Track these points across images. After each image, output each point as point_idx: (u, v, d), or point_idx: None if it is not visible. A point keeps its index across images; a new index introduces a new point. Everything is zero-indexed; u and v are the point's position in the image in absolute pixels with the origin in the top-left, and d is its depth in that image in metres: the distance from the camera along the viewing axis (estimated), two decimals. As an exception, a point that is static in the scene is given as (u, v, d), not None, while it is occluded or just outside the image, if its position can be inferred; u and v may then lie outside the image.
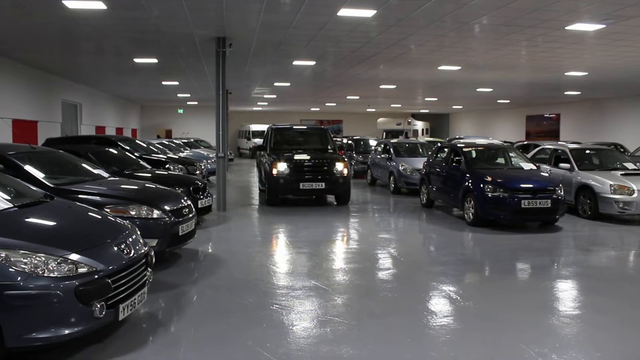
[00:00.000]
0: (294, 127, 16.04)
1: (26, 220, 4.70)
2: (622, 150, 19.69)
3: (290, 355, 4.43)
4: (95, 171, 7.97)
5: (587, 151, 13.35)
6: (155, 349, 4.52)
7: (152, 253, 5.14)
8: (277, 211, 12.49)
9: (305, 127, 16.37)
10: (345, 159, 13.70)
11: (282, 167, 12.58)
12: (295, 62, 15.95)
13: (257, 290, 6.25)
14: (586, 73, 17.69)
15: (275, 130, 14.66)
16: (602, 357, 4.44)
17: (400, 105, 36.96)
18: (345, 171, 13.07)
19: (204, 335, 4.82)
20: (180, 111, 39.52)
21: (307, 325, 5.15)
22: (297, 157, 13.00)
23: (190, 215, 7.43)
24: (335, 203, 13.72)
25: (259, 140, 34.70)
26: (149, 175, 10.07)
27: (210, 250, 8.41)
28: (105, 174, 8.02)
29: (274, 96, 28.82)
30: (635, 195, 10.75)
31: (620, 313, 5.61)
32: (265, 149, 14.27)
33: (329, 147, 14.44)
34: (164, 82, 22.29)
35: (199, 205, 9.54)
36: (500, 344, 4.72)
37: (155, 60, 15.86)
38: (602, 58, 14.67)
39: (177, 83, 22.61)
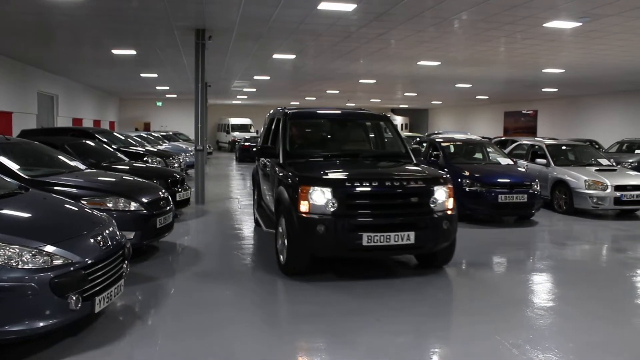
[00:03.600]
0: (327, 112, 9.10)
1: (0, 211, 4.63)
2: (596, 146, 20.00)
3: (271, 351, 4.45)
4: (72, 163, 7.88)
5: (563, 147, 13.55)
6: (131, 342, 4.49)
7: (129, 245, 5.10)
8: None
9: (346, 113, 8.96)
10: (449, 178, 6.71)
11: (321, 197, 6.04)
12: (276, 56, 15.89)
13: (236, 283, 6.25)
14: (563, 70, 17.92)
15: (294, 119, 7.86)
16: (574, 348, 4.53)
17: (379, 100, 37.12)
18: (451, 204, 6.49)
19: (182, 328, 4.80)
20: (159, 104, 39.19)
21: (284, 319, 5.16)
22: (352, 176, 6.38)
23: (168, 208, 7.38)
24: (417, 262, 7.21)
25: (239, 134, 34.56)
26: (127, 167, 9.97)
27: (188, 243, 8.37)
28: (82, 166, 7.93)
29: (254, 89, 28.71)
30: (608, 190, 10.94)
31: (592, 305, 5.71)
32: (274, 153, 7.61)
33: (402, 151, 7.88)
34: (142, 74, 22.07)
35: (177, 198, 9.49)
36: (476, 335, 4.78)
37: (134, 52, 15.69)
38: (579, 56, 14.88)
39: (156, 75, 22.40)
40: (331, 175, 6.37)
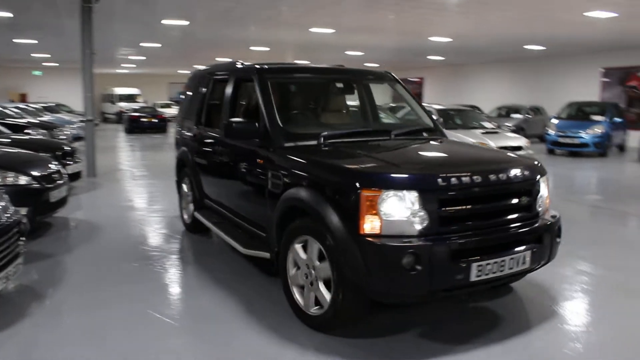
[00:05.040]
0: (320, 67, 6.28)
1: None
2: (479, 111, 21.20)
3: (180, 316, 4.41)
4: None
5: (451, 112, 14.23)
6: (34, 321, 4.27)
7: (25, 221, 4.80)
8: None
9: (348, 71, 6.11)
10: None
11: (401, 208, 3.63)
12: (165, 21, 15.28)
13: (138, 254, 6.07)
14: (450, 39, 18.70)
15: (275, 78, 5.36)
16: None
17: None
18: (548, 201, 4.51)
19: (88, 303, 4.62)
20: (38, 73, 36.48)
21: (193, 284, 5.11)
22: (440, 168, 4.10)
23: (61, 182, 6.99)
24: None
25: (126, 105, 33.10)
26: (8, 140, 9.27)
27: (83, 218, 7.99)
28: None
29: (143, 57, 27.51)
30: (493, 152, 11.66)
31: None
32: (256, 133, 4.85)
33: (430, 124, 5.65)
34: (16, 40, 20.36)
35: (68, 171, 8.99)
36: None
37: (9, 15, 14.41)
38: (464, 25, 15.59)
39: (35, 42, 20.75)
40: (410, 168, 3.93)
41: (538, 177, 4.26)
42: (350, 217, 3.66)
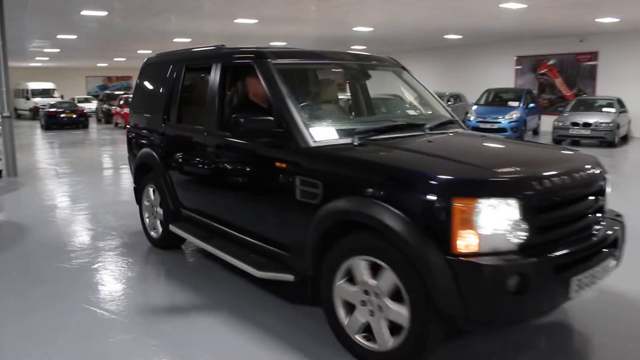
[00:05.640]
0: (330, 52, 5.10)
1: None
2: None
3: (126, 311, 4.39)
4: None
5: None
6: (-31, 326, 4.12)
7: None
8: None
9: (357, 56, 5.41)
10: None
11: (500, 219, 3.00)
12: (84, 12, 14.72)
13: (69, 253, 5.91)
14: (372, 29, 19.05)
15: (288, 67, 4.51)
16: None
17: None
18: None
19: (26, 305, 4.50)
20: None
21: (132, 277, 5.07)
22: (526, 168, 3.39)
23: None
24: None
25: (41, 100, 31.69)
26: None
27: (8, 219, 7.65)
28: None
29: (57, 50, 26.36)
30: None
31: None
32: (265, 129, 3.98)
33: (449, 116, 4.96)
34: None
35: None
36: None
37: None
38: (385, 15, 15.93)
39: None
40: (503, 171, 3.25)
41: (604, 173, 3.78)
42: (437, 233, 3.00)
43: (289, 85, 4.21)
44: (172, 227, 5.42)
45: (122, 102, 25.11)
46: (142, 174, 6.09)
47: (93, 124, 27.74)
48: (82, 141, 20.00)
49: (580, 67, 21.63)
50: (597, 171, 3.67)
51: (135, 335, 3.96)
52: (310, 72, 5.12)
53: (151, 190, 5.90)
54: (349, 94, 5.58)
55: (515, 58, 23.57)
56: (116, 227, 6.97)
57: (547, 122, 19.34)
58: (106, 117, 28.41)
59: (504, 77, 23.30)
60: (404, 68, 5.46)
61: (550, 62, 22.62)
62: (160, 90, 5.76)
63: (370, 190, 3.29)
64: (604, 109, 17.17)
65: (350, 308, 3.51)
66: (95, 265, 5.51)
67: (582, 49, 21.36)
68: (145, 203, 6.09)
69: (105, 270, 5.40)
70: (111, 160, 14.72)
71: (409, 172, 3.28)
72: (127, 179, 11.07)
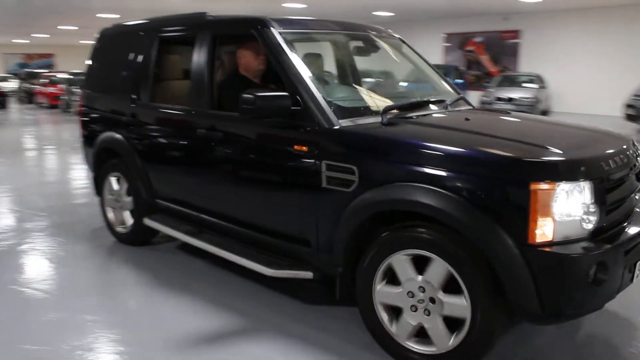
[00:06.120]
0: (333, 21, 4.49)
1: None
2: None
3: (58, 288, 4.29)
4: None
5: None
6: None
7: None
8: None
9: (359, 26, 4.82)
10: None
11: (574, 203, 2.76)
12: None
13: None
14: (305, 5, 18.97)
15: (295, 37, 3.92)
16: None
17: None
18: None
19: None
20: None
21: (53, 263, 4.96)
22: (585, 149, 3.16)
23: None
24: None
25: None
26: None
27: None
28: None
29: (-31, 26, 24.90)
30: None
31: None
32: (282, 107, 3.39)
33: (454, 91, 4.67)
34: None
35: None
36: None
37: None
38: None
39: None
40: (573, 152, 2.98)
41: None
42: (510, 221, 2.70)
43: (301, 57, 3.74)
44: (147, 221, 4.73)
45: (46, 81, 24.00)
46: (103, 161, 5.27)
47: (13, 104, 26.39)
48: (1, 122, 19.02)
49: (505, 44, 22.41)
50: (638, 150, 3.45)
51: (70, 313, 3.89)
52: (319, 44, 4.59)
53: (114, 179, 5.14)
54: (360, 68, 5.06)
55: (444, 35, 24.11)
56: (44, 207, 6.74)
57: (473, 97, 19.90)
58: (28, 97, 27.04)
59: (433, 53, 23.80)
60: (402, 41, 5.03)
61: (477, 40, 23.30)
62: (126, 66, 4.97)
63: (424, 176, 2.90)
64: (526, 85, 17.90)
65: (395, 312, 3.14)
66: (23, 247, 5.33)
67: (506, 27, 22.11)
68: (109, 196, 5.25)
69: (35, 250, 5.24)
70: (35, 141, 14.13)
71: (474, 154, 2.88)
72: (52, 160, 10.74)
